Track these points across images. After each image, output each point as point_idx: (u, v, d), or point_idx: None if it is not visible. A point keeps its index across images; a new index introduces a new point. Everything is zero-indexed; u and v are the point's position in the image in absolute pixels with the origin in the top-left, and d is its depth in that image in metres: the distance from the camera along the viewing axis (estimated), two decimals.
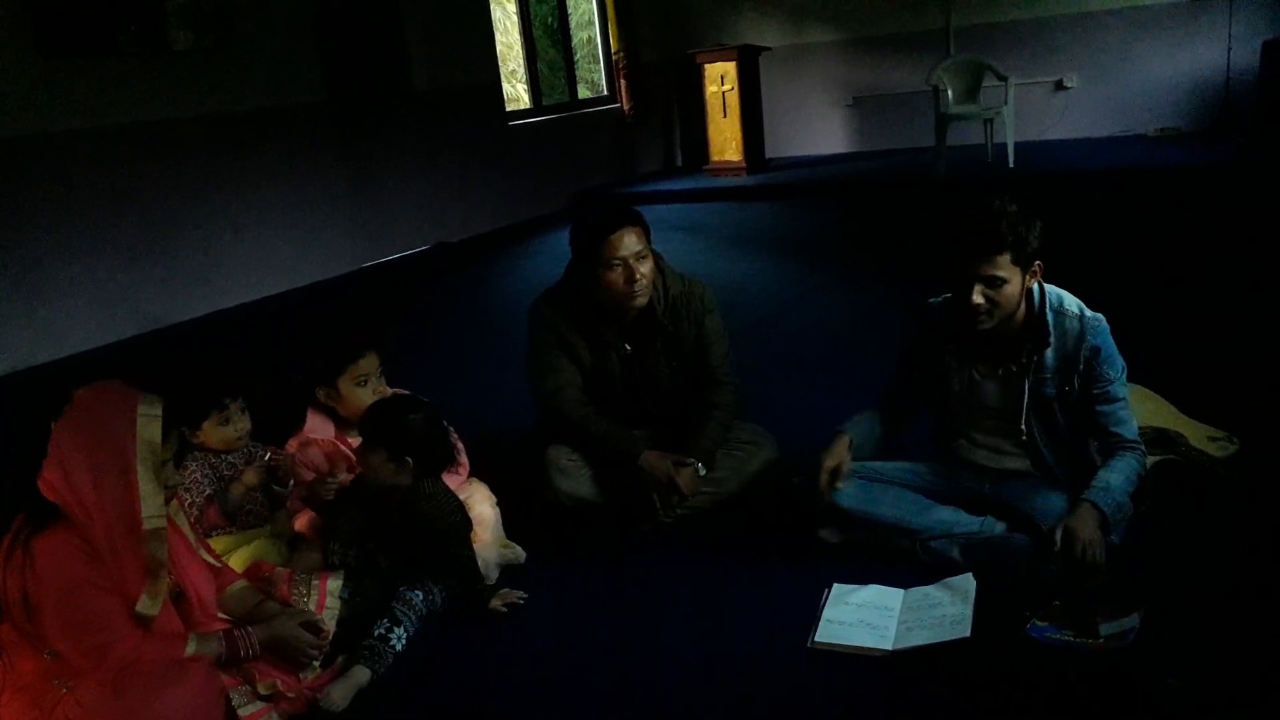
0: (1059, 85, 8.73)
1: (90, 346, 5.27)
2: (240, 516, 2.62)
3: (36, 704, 1.92)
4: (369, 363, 2.72)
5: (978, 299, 2.27)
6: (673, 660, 2.19)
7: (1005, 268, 2.24)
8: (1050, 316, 2.35)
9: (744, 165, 8.87)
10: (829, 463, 2.51)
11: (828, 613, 2.25)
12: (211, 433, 2.60)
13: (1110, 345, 2.36)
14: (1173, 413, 2.96)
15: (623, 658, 2.23)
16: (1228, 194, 6.36)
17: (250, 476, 2.59)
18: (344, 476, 2.63)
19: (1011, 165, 7.58)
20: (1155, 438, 2.75)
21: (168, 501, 2.00)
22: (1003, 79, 7.62)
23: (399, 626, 2.28)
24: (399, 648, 2.26)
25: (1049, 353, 2.37)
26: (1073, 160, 7.81)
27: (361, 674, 2.17)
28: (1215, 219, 5.84)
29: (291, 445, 2.75)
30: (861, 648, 2.13)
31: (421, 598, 2.36)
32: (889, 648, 2.12)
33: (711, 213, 7.96)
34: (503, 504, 2.76)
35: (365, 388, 2.70)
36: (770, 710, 2.02)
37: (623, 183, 9.31)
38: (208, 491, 2.57)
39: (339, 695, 2.11)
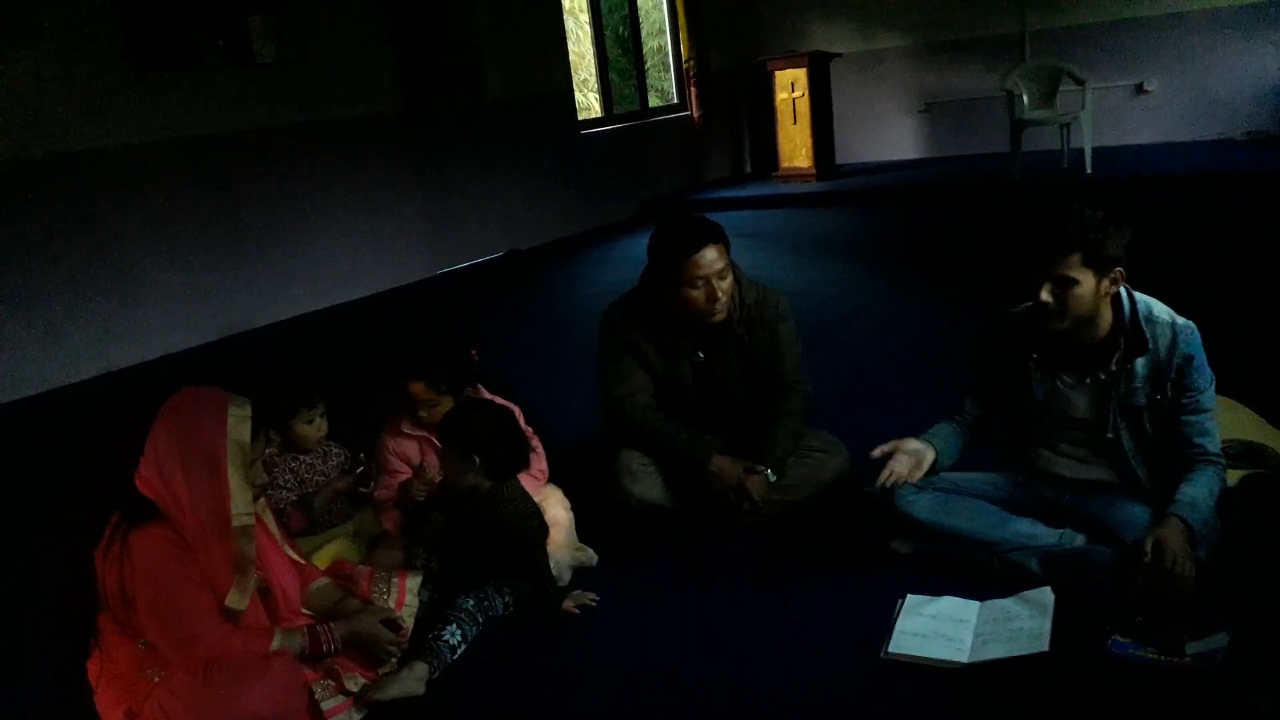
0: (1139, 89, 8.51)
1: (179, 349, 5.47)
2: (322, 518, 2.71)
3: (131, 692, 2.01)
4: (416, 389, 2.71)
5: (1046, 297, 2.24)
6: (743, 667, 2.19)
7: (1075, 268, 2.21)
8: (1141, 325, 2.30)
9: (814, 171, 8.82)
10: (898, 469, 2.50)
11: (901, 623, 2.23)
12: (297, 430, 2.71)
13: (1201, 354, 2.31)
14: (1260, 424, 2.88)
15: (693, 662, 2.23)
16: None
17: (341, 485, 2.72)
18: (433, 475, 2.67)
19: (1089, 171, 7.41)
20: (1242, 451, 2.67)
21: (255, 499, 2.08)
22: (1080, 83, 7.44)
23: (451, 625, 2.29)
24: (453, 641, 2.27)
25: (1140, 361, 2.32)
26: (1154, 165, 7.60)
27: (420, 669, 2.19)
28: None
29: (387, 435, 2.78)
30: (936, 660, 2.10)
31: (473, 603, 2.37)
32: (964, 660, 2.09)
33: (781, 219, 7.93)
34: (575, 508, 2.80)
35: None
36: None
37: (692, 190, 9.33)
38: (292, 497, 2.66)
39: (389, 686, 2.14)
